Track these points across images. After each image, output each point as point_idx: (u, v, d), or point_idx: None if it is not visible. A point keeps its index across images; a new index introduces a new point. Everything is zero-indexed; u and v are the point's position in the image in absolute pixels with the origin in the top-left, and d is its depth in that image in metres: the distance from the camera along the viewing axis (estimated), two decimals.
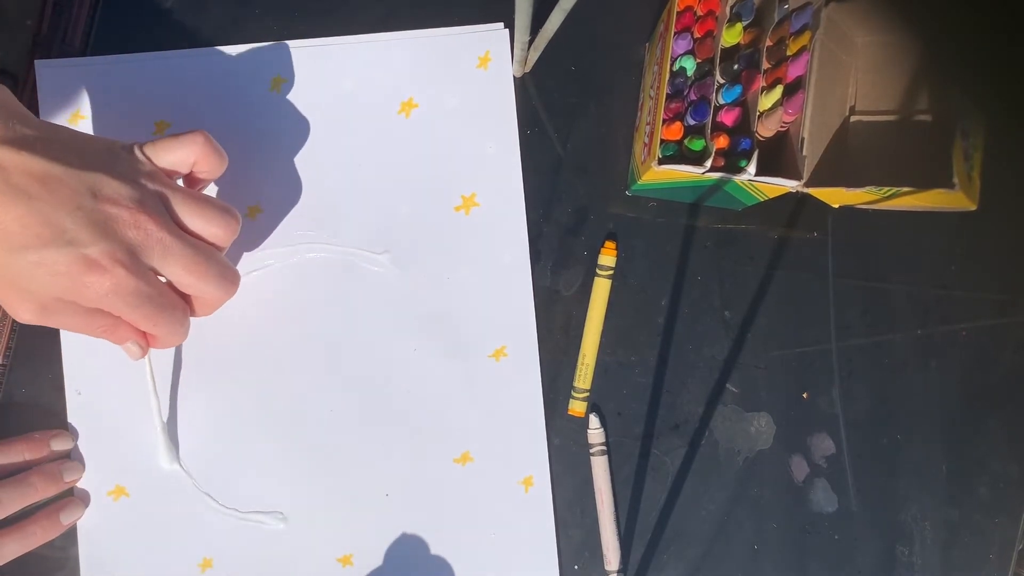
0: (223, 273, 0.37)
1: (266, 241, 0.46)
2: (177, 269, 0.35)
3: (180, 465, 0.44)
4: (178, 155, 0.37)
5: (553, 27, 0.39)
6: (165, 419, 0.44)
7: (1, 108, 0.32)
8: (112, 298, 0.33)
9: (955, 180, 0.38)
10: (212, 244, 0.37)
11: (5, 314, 0.45)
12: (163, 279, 0.36)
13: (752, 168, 0.39)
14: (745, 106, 0.41)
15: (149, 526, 0.45)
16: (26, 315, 0.33)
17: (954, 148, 0.38)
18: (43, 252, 0.31)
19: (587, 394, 0.46)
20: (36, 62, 0.45)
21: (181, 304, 0.37)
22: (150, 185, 0.34)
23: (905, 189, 0.39)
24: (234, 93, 0.46)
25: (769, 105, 0.40)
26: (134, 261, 0.33)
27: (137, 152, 0.36)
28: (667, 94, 0.41)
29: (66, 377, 0.45)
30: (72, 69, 0.45)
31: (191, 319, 0.39)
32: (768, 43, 0.41)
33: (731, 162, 0.40)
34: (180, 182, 0.39)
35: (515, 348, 0.46)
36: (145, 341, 0.38)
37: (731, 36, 0.41)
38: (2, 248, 0.31)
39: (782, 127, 0.42)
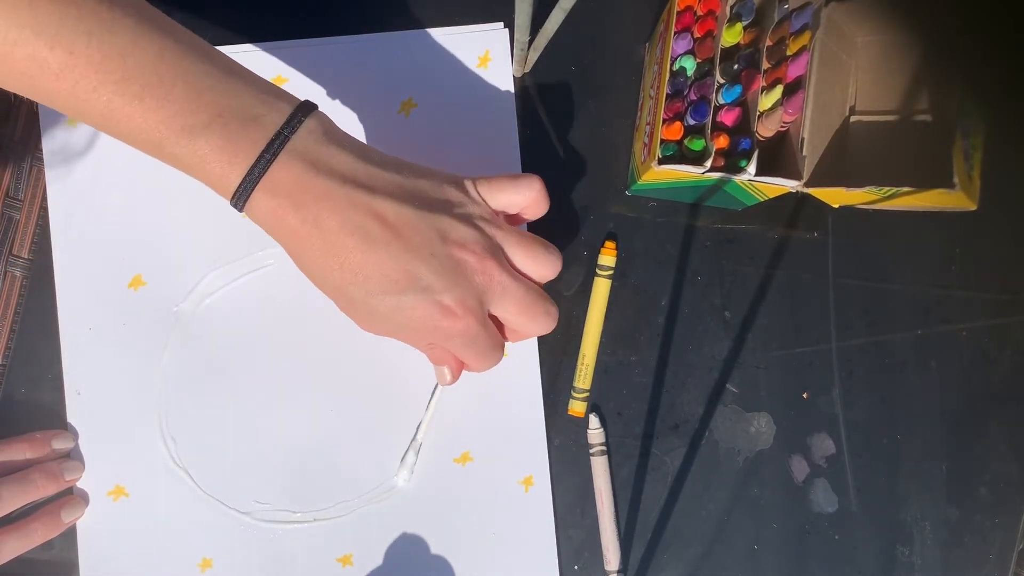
0: (548, 311, 0.37)
1: (266, 241, 0.46)
2: (512, 309, 0.36)
3: (407, 481, 0.45)
4: (514, 198, 0.37)
5: (553, 27, 0.39)
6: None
7: (344, 145, 0.33)
8: (456, 340, 0.34)
9: (955, 180, 0.38)
10: (536, 282, 0.37)
11: (5, 313, 0.45)
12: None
13: (752, 168, 0.39)
14: (745, 106, 0.41)
15: (149, 526, 0.45)
16: (374, 331, 0.35)
17: (954, 148, 0.38)
18: (401, 298, 0.32)
19: (587, 394, 0.46)
20: None
21: (502, 341, 0.38)
22: (488, 229, 0.35)
23: (905, 189, 0.39)
24: None
25: (769, 105, 0.40)
26: (481, 308, 0.34)
27: (472, 191, 0.36)
28: (667, 94, 0.41)
29: (66, 377, 0.45)
30: None
31: None
32: (768, 43, 0.41)
33: (731, 162, 0.40)
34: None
35: (515, 348, 0.46)
36: (459, 368, 0.39)
37: (731, 36, 0.41)
38: (361, 290, 0.32)
39: (782, 127, 0.42)
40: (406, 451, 0.45)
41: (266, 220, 0.32)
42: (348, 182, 0.32)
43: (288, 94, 0.33)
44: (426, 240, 0.33)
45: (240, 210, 0.32)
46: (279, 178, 0.31)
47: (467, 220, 0.34)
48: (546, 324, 0.37)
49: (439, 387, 0.44)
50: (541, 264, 0.37)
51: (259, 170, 0.31)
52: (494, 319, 0.37)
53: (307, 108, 0.33)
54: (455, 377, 0.39)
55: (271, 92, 0.32)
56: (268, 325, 0.46)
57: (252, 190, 0.31)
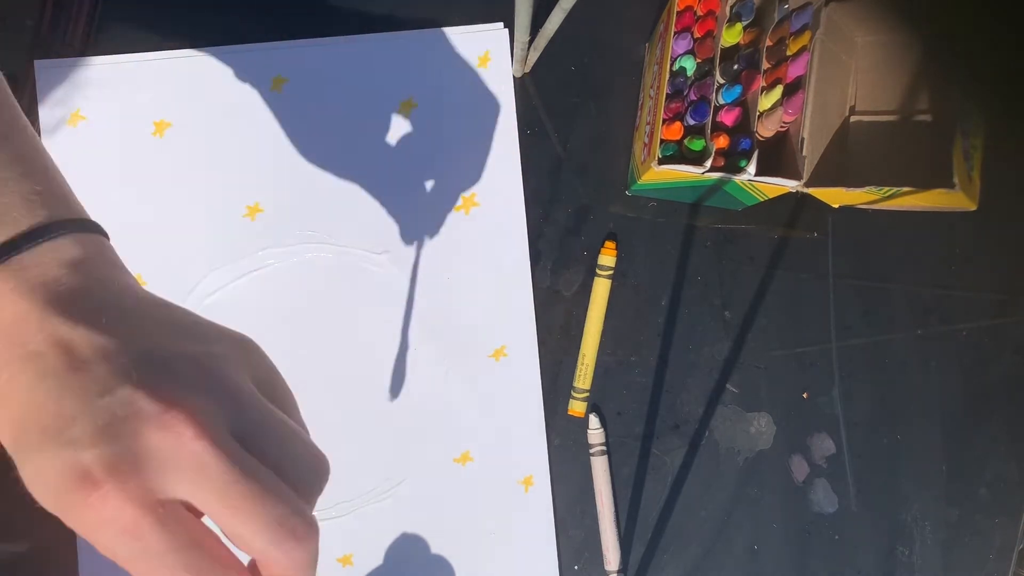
0: (283, 519, 0.21)
1: (266, 241, 0.46)
2: (211, 498, 0.21)
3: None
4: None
5: (553, 27, 0.39)
6: None
7: (105, 279, 0.25)
8: (117, 541, 0.20)
9: (955, 180, 0.38)
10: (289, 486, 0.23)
11: None
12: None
13: (752, 168, 0.39)
14: (745, 106, 0.41)
15: None
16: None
17: (954, 148, 0.38)
18: (32, 457, 0.21)
19: (587, 394, 0.46)
20: (36, 62, 0.45)
21: (230, 569, 0.22)
22: (239, 398, 0.23)
23: (905, 189, 0.39)
24: (234, 93, 0.46)
25: (769, 105, 0.40)
26: (147, 484, 0.21)
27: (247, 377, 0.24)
28: (667, 94, 0.41)
29: None
30: (72, 69, 0.45)
31: None
32: (768, 43, 0.41)
33: (731, 162, 0.40)
34: None
35: (515, 348, 0.46)
36: None
37: (731, 36, 0.41)
38: (9, 442, 0.22)
39: (782, 127, 0.42)
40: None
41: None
42: (90, 304, 0.23)
43: (73, 209, 0.25)
44: (114, 375, 0.21)
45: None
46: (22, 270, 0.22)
47: (211, 374, 0.23)
48: (276, 538, 0.21)
49: None
50: (296, 458, 0.24)
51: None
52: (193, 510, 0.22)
53: (82, 226, 0.25)
54: None
55: (48, 199, 0.24)
56: (268, 325, 0.46)
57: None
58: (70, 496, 0.21)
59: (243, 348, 0.25)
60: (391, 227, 0.46)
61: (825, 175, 0.41)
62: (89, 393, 0.21)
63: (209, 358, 0.23)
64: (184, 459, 0.21)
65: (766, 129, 0.41)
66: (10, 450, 0.22)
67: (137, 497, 0.20)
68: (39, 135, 0.45)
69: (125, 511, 0.20)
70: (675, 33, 0.40)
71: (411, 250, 0.46)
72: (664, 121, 0.40)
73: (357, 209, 0.46)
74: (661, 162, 0.39)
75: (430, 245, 0.46)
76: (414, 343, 0.46)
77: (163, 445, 0.21)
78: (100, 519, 0.20)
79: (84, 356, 0.22)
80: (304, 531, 0.22)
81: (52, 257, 0.23)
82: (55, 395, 0.21)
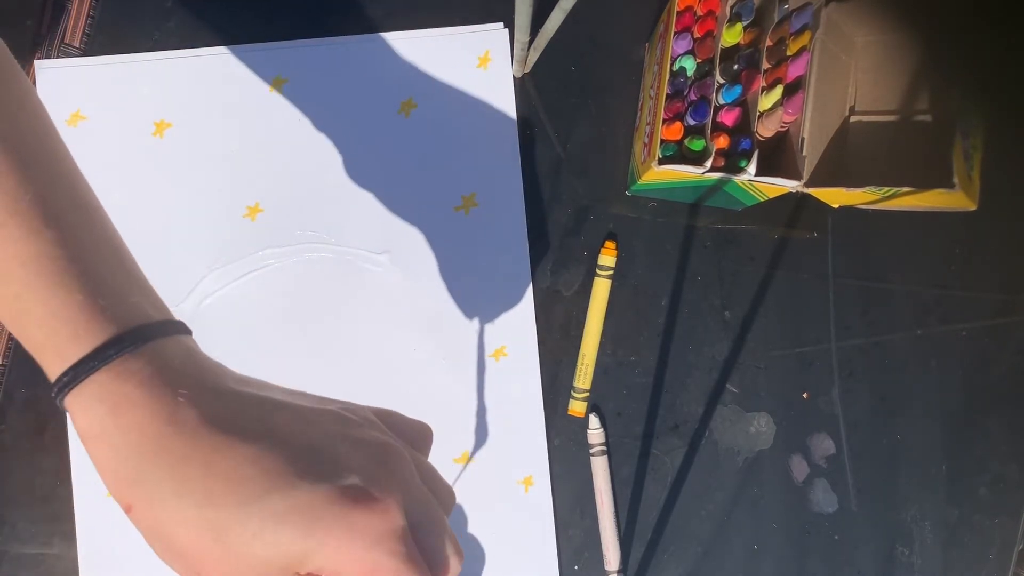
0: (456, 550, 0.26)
1: (266, 241, 0.46)
2: (435, 527, 0.25)
3: None
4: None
5: (553, 27, 0.39)
6: None
7: (225, 371, 0.26)
8: (379, 551, 0.22)
9: (955, 180, 0.38)
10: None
11: None
12: None
13: (752, 168, 0.39)
14: (745, 106, 0.41)
15: None
16: None
17: (954, 148, 0.38)
18: (291, 493, 0.22)
19: (587, 394, 0.46)
20: (36, 62, 0.45)
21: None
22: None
23: (905, 189, 0.39)
24: (234, 93, 0.46)
25: (769, 105, 0.40)
26: (404, 491, 0.24)
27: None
28: (667, 94, 0.41)
29: None
30: (72, 69, 0.45)
31: None
32: (768, 43, 0.41)
33: (731, 162, 0.40)
34: None
35: (515, 348, 0.46)
36: None
37: (731, 36, 0.41)
38: (231, 502, 0.21)
39: (782, 127, 0.42)
40: None
41: (97, 415, 0.23)
42: (224, 383, 0.25)
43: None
44: (319, 422, 0.24)
45: (62, 395, 0.23)
46: (135, 365, 0.23)
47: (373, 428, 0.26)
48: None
49: None
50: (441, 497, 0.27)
51: (116, 349, 0.23)
52: None
53: (183, 328, 0.26)
54: None
55: (151, 294, 0.26)
56: (267, 325, 0.46)
57: (97, 369, 0.23)
58: (355, 514, 0.22)
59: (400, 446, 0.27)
60: (391, 227, 0.46)
61: (825, 175, 0.41)
62: (315, 433, 0.24)
63: (393, 449, 0.26)
64: (416, 489, 0.24)
65: (766, 129, 0.41)
66: (205, 509, 0.22)
67: (402, 510, 0.23)
68: None
69: (400, 522, 0.23)
70: (675, 33, 0.40)
71: (411, 250, 0.46)
72: (664, 121, 0.40)
73: (357, 209, 0.46)
74: (661, 162, 0.39)
75: (430, 245, 0.46)
76: (413, 343, 0.46)
77: (403, 470, 0.24)
78: (382, 531, 0.22)
79: (284, 417, 0.24)
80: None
81: (187, 349, 0.25)
82: (273, 445, 0.23)
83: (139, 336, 0.23)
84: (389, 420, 0.30)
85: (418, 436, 0.31)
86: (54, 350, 0.23)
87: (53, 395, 0.23)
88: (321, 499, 0.22)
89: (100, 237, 0.25)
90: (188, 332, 0.26)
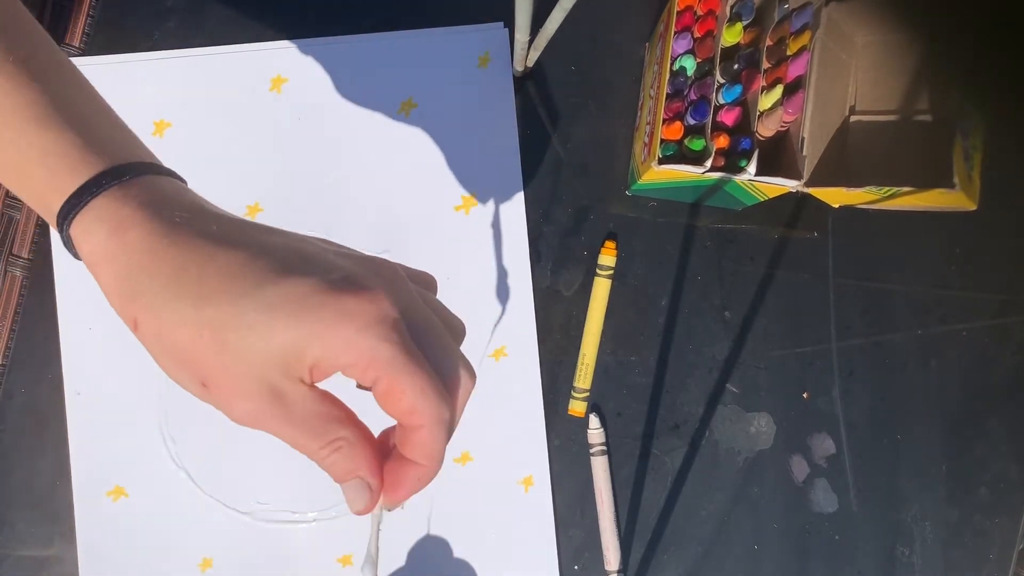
0: (466, 366, 0.26)
1: None
2: (434, 329, 0.25)
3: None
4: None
5: (553, 27, 0.39)
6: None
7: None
8: (371, 335, 0.23)
9: (955, 180, 0.38)
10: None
11: (5, 313, 0.45)
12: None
13: (752, 168, 0.39)
14: (745, 106, 0.41)
15: (149, 526, 0.45)
16: (248, 403, 0.23)
17: (954, 148, 0.38)
18: (281, 284, 0.22)
19: (587, 394, 0.46)
20: None
21: (445, 392, 0.25)
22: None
23: (905, 189, 0.39)
24: (234, 93, 0.46)
25: (769, 105, 0.40)
26: (393, 288, 0.24)
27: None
28: (667, 94, 0.41)
29: (66, 377, 0.45)
30: None
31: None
32: (768, 43, 0.41)
33: (731, 162, 0.40)
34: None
35: (515, 348, 0.46)
36: (379, 480, 0.25)
37: (731, 36, 0.41)
38: (225, 299, 0.22)
39: (782, 127, 0.42)
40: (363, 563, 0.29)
41: (99, 239, 0.24)
42: (219, 210, 0.26)
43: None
44: (314, 242, 0.25)
45: (66, 224, 0.24)
46: (133, 190, 0.24)
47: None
48: (464, 381, 0.26)
49: (374, 524, 0.28)
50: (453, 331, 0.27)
51: (113, 176, 0.24)
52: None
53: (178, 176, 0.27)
54: (376, 492, 0.25)
55: (143, 145, 0.27)
56: None
57: (97, 194, 0.24)
58: (344, 299, 0.23)
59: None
60: (391, 227, 0.46)
61: (825, 175, 0.41)
62: (307, 241, 0.25)
63: (387, 262, 0.26)
64: (407, 293, 0.25)
65: (766, 129, 0.41)
66: (204, 310, 0.23)
67: (396, 304, 0.24)
68: None
69: (392, 311, 0.23)
70: (675, 33, 0.40)
71: (411, 250, 0.46)
72: (664, 121, 0.40)
73: (357, 209, 0.46)
74: (661, 162, 0.39)
75: (430, 245, 0.46)
76: None
77: (392, 276, 0.25)
78: (373, 316, 0.23)
79: (277, 234, 0.25)
80: (470, 382, 0.26)
81: (177, 186, 0.26)
82: (264, 246, 0.24)
83: (135, 169, 0.25)
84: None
85: (422, 280, 0.31)
86: (55, 187, 0.24)
87: (60, 232, 0.25)
88: (311, 288, 0.23)
89: (89, 93, 0.27)
90: (183, 180, 0.27)
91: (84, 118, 0.25)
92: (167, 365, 0.25)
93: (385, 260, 0.26)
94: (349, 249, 0.26)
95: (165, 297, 0.23)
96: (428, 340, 0.25)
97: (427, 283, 0.31)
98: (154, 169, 0.26)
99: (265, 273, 0.23)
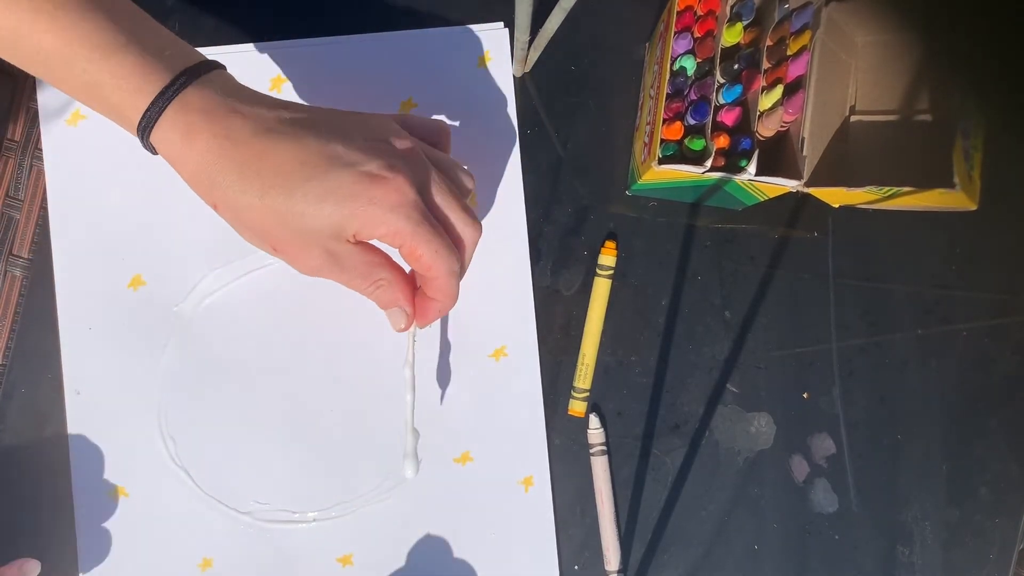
0: (474, 221, 0.35)
1: None
2: (445, 199, 0.34)
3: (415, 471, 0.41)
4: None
5: (553, 27, 0.39)
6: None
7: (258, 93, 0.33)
8: (396, 215, 0.31)
9: (955, 180, 0.38)
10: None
11: (5, 313, 0.45)
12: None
13: (752, 168, 0.39)
14: (745, 106, 0.41)
15: (149, 526, 0.45)
16: (312, 262, 0.32)
17: (954, 148, 0.38)
18: (323, 182, 0.30)
19: (587, 394, 0.46)
20: None
21: (455, 249, 0.34)
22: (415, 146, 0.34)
23: (905, 189, 0.39)
24: None
25: (769, 105, 0.40)
26: (413, 172, 0.32)
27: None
28: (667, 94, 0.41)
29: (66, 377, 0.45)
30: None
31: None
32: (768, 43, 0.41)
33: (731, 162, 0.40)
34: None
35: (515, 348, 0.46)
36: (412, 308, 0.36)
37: (731, 36, 0.41)
38: (282, 195, 0.30)
39: (782, 127, 0.42)
40: (406, 443, 0.41)
41: (175, 143, 0.31)
42: (262, 102, 0.32)
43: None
44: (343, 127, 0.32)
45: (146, 134, 0.31)
46: (192, 99, 0.31)
47: (389, 131, 0.34)
48: (472, 232, 0.35)
49: (409, 340, 0.39)
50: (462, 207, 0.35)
51: (174, 90, 0.30)
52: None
53: (218, 65, 0.33)
54: (411, 317, 0.36)
55: (185, 46, 0.33)
56: (268, 325, 0.46)
57: (165, 108, 0.30)
58: (366, 195, 0.31)
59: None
60: None
61: (825, 175, 0.41)
62: (336, 136, 0.31)
63: (406, 146, 0.33)
64: (424, 169, 0.33)
65: (766, 129, 0.41)
66: (267, 202, 0.30)
67: (414, 184, 0.32)
68: (40, 135, 0.45)
69: (409, 193, 0.31)
70: (675, 33, 0.40)
71: None
72: (664, 121, 0.40)
73: None
74: (661, 162, 0.39)
75: None
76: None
77: (411, 157, 0.33)
78: (388, 204, 0.31)
79: (310, 118, 0.32)
80: (476, 232, 0.35)
81: (226, 78, 0.33)
82: (305, 145, 0.31)
83: (189, 74, 0.31)
84: (407, 122, 0.37)
85: (435, 132, 0.38)
86: (129, 105, 0.30)
87: (142, 142, 0.32)
88: (348, 181, 0.30)
89: (136, 12, 0.32)
90: (223, 67, 0.33)
91: (139, 38, 0.31)
92: (246, 235, 0.32)
93: (407, 139, 0.33)
94: (375, 126, 0.33)
95: (235, 189, 0.30)
96: (440, 209, 0.33)
97: (439, 135, 0.38)
98: (206, 67, 0.32)
99: (309, 170, 0.30)
